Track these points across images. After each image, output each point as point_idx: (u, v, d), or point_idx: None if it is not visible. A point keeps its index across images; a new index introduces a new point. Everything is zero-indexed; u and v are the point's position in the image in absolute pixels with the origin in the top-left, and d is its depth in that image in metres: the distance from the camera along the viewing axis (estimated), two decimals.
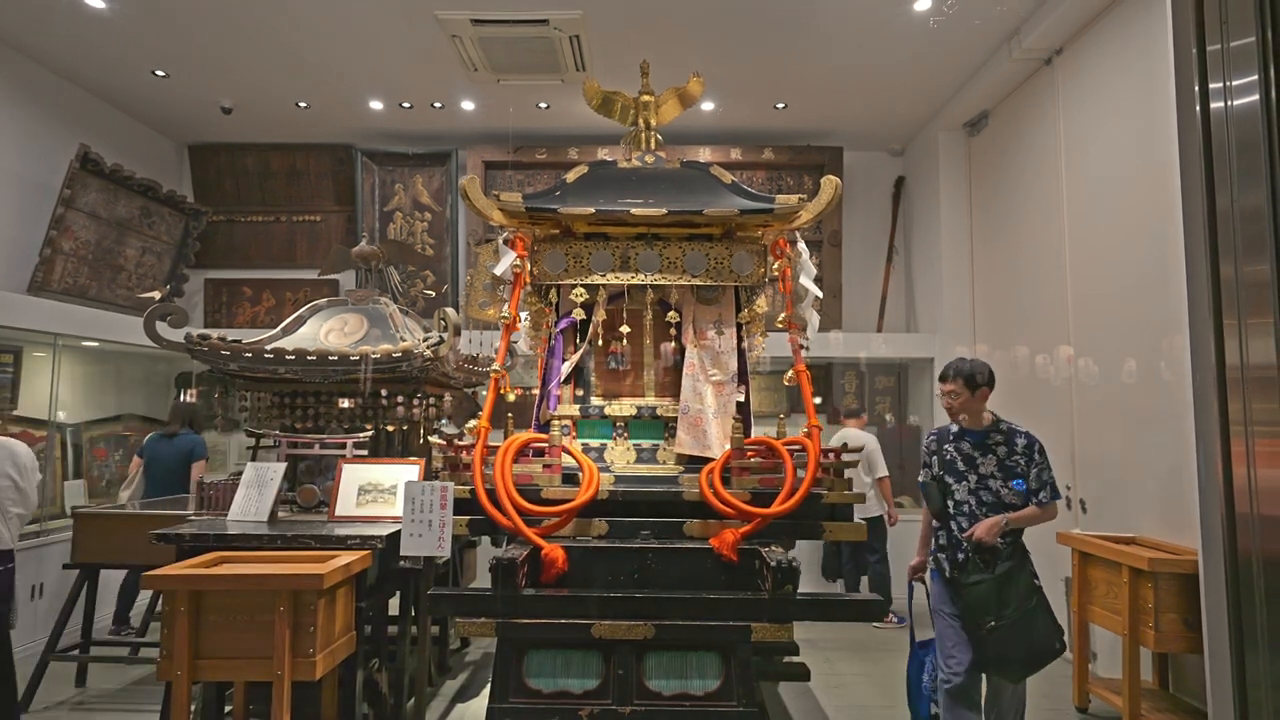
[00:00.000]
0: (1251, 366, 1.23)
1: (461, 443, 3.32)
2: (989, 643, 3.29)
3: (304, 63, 5.97)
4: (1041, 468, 3.40)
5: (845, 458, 3.27)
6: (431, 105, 6.77)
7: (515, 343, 4.61)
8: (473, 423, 3.28)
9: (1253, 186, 1.23)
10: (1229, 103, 1.28)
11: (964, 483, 3.47)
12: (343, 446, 4.10)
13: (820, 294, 3.68)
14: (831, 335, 7.17)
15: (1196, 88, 1.33)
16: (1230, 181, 1.27)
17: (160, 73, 6.15)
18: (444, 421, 4.90)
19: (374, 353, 4.04)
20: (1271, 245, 1.20)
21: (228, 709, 3.60)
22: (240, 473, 3.99)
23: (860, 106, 6.79)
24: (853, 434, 6.30)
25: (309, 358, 4.02)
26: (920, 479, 3.70)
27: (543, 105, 6.75)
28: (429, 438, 4.47)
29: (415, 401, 4.31)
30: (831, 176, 3.43)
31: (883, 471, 6.19)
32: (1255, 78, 1.23)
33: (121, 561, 4.50)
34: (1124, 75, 4.73)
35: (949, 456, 3.53)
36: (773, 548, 3.03)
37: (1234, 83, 1.27)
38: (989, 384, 3.49)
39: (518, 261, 3.41)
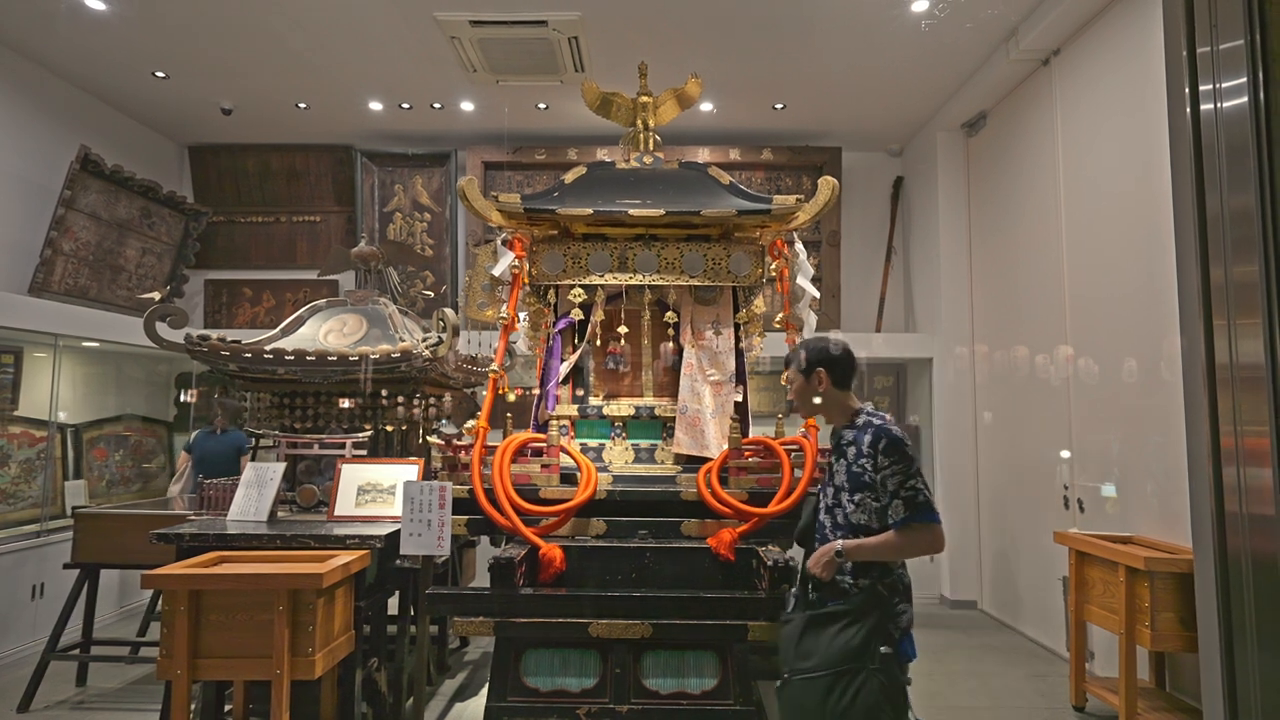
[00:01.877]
0: (1241, 366, 1.24)
1: (460, 443, 3.34)
2: (779, 707, 2.42)
3: (304, 64, 5.98)
4: (890, 474, 2.36)
5: None
6: (431, 106, 6.78)
7: (514, 343, 4.62)
8: (471, 423, 3.30)
9: (1242, 188, 1.24)
10: (1219, 105, 1.28)
11: (824, 498, 2.61)
12: (342, 446, 4.12)
13: (817, 294, 3.69)
14: (830, 335, 7.16)
15: (1187, 90, 1.34)
16: (1220, 183, 1.28)
17: (160, 74, 6.16)
18: (443, 422, 4.92)
19: (373, 353, 4.05)
20: (1260, 247, 1.21)
21: (227, 708, 3.60)
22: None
23: (859, 107, 6.79)
24: None
25: (308, 358, 4.04)
26: None
27: (542, 106, 6.75)
28: (428, 438, 4.48)
29: (414, 402, 4.32)
30: (829, 177, 3.44)
31: None
32: (1244, 80, 1.24)
33: (122, 561, 4.51)
34: (1121, 76, 4.74)
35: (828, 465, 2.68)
36: (770, 547, 3.05)
37: (1224, 85, 1.28)
38: (827, 365, 2.56)
39: (516, 262, 3.42)
